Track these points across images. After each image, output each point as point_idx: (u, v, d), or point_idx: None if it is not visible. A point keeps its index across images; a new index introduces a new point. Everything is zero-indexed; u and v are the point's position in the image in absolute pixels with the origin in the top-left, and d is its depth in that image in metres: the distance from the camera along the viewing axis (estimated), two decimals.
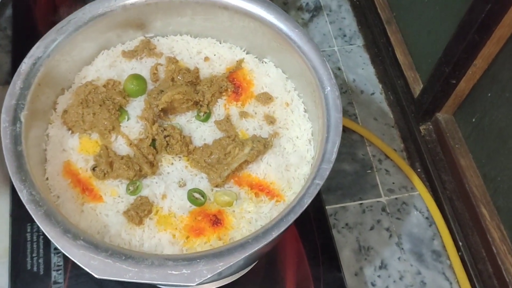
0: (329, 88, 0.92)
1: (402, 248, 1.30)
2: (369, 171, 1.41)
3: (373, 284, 1.25)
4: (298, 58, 0.97)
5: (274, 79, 1.05)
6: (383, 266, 1.28)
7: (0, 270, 1.14)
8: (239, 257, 0.77)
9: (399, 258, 1.29)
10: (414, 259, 1.29)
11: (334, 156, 0.85)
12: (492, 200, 1.26)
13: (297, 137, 1.00)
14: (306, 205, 0.82)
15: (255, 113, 1.02)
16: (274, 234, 0.79)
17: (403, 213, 1.35)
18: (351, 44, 1.62)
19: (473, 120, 1.30)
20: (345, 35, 1.64)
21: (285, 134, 1.00)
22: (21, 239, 1.12)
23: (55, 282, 1.08)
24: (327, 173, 0.84)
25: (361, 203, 1.36)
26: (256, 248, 0.78)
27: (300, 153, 0.98)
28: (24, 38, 1.40)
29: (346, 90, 1.53)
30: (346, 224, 1.33)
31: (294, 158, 0.97)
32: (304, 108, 1.03)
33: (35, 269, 1.09)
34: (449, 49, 1.23)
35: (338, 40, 1.63)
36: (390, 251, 1.30)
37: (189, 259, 0.76)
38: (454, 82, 1.28)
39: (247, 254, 0.77)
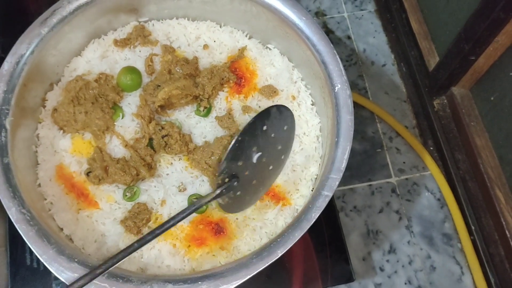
0: (339, 85, 0.84)
1: (412, 232, 1.26)
2: (379, 150, 1.35)
3: (381, 269, 1.22)
4: (306, 49, 0.88)
5: (279, 69, 0.97)
6: (392, 250, 1.25)
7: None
8: (243, 277, 0.73)
9: (408, 242, 1.25)
10: (424, 242, 1.26)
11: (344, 164, 0.79)
12: (508, 183, 1.20)
13: (304, 134, 0.94)
14: (314, 220, 0.77)
15: (259, 107, 0.95)
16: (280, 252, 0.75)
17: (413, 195, 1.30)
18: (362, 10, 1.51)
19: (492, 98, 1.22)
20: (355, 0, 1.53)
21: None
22: (18, 232, 1.08)
23: (57, 278, 1.05)
24: (337, 183, 0.79)
25: (370, 184, 1.31)
26: (260, 268, 0.74)
27: (307, 151, 0.92)
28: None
29: (356, 62, 1.44)
30: (354, 207, 1.28)
31: (300, 158, 0.91)
32: (312, 101, 0.96)
33: (35, 264, 1.05)
34: (470, 25, 1.13)
35: (348, 5, 1.52)
36: (399, 234, 1.26)
37: (190, 281, 0.73)
38: (473, 58, 1.19)
39: (251, 275, 0.73)
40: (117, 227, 0.85)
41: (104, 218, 0.85)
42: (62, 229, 0.84)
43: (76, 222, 0.85)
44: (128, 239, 0.84)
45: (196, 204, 0.79)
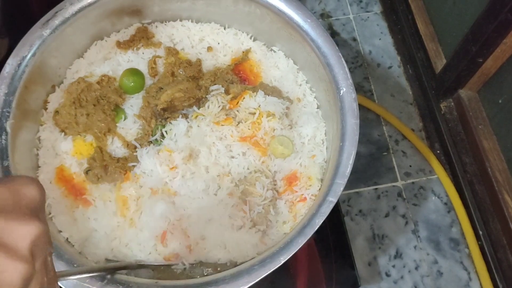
0: (344, 89, 0.83)
1: (419, 236, 1.25)
2: (385, 153, 1.33)
3: (387, 274, 1.21)
4: (311, 52, 0.87)
5: (284, 71, 0.95)
6: (398, 255, 1.23)
7: None
8: (245, 285, 0.72)
9: (415, 247, 1.24)
10: (431, 247, 1.24)
11: (349, 169, 0.78)
12: None
13: (309, 137, 0.92)
14: (318, 226, 0.75)
15: (266, 103, 0.93)
16: (283, 259, 0.73)
17: (420, 199, 1.29)
18: (367, 11, 1.50)
19: (500, 101, 1.20)
20: (361, 1, 1.51)
21: (300, 132, 0.92)
22: None
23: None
24: (342, 188, 0.77)
25: (376, 188, 1.29)
26: (263, 275, 0.72)
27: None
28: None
29: (362, 64, 1.42)
30: (360, 211, 1.26)
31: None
32: (317, 104, 0.95)
33: None
34: (477, 27, 1.11)
35: (353, 7, 1.50)
36: (405, 239, 1.24)
37: None
38: (481, 60, 1.17)
39: (253, 282, 0.72)
40: (113, 228, 0.84)
41: (102, 218, 0.84)
42: (60, 232, 0.83)
43: (73, 223, 0.84)
44: (126, 237, 0.83)
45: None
